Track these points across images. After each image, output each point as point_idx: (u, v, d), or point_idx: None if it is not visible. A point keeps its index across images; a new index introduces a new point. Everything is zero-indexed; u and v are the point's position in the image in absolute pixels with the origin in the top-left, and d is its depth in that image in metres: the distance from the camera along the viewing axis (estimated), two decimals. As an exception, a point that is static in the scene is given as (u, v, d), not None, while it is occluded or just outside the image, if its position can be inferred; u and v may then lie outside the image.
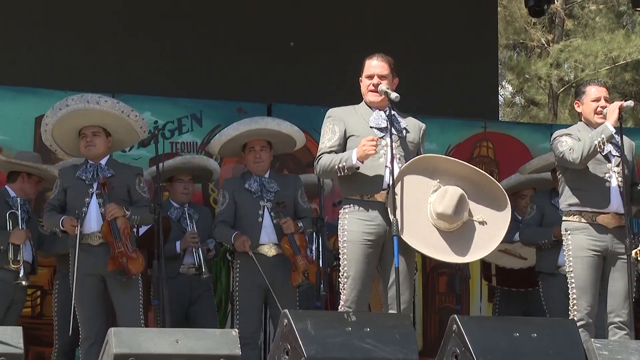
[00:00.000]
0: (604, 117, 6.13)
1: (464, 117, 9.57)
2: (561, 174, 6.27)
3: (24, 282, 7.08)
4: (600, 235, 6.06)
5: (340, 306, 5.67)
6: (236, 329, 5.25)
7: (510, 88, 22.49)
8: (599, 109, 6.17)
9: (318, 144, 5.88)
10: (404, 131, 5.80)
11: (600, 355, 5.20)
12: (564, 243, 6.18)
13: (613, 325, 6.05)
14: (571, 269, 6.09)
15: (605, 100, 6.20)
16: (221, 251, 7.74)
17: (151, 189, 7.25)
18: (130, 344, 4.81)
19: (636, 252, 6.02)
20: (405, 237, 5.55)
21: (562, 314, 6.64)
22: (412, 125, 5.87)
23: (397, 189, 5.59)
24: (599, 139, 5.95)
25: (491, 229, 5.73)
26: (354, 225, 5.66)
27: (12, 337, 4.82)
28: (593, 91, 6.23)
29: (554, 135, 6.27)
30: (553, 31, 20.82)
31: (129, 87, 8.30)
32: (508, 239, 7.85)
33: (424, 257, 5.94)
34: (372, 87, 5.79)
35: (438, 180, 5.70)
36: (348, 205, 5.72)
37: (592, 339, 5.40)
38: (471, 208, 5.70)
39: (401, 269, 5.57)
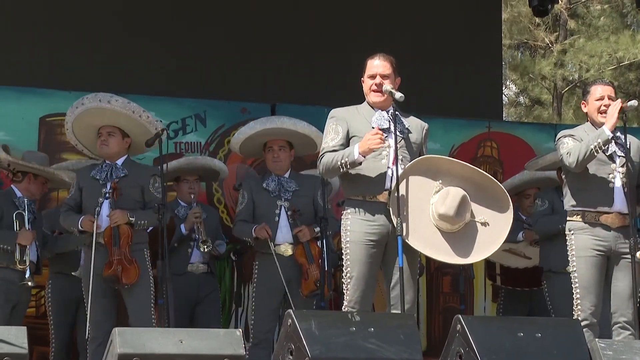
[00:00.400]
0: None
1: (467, 117, 9.56)
2: (564, 174, 6.27)
3: (30, 283, 7.10)
4: (604, 235, 6.06)
5: (344, 306, 5.67)
6: (240, 329, 5.25)
7: (514, 88, 22.47)
8: (603, 107, 6.17)
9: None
10: (407, 131, 5.79)
11: (605, 355, 5.20)
12: (567, 243, 6.17)
13: (617, 325, 6.05)
14: (575, 269, 6.08)
15: (609, 99, 6.18)
16: (225, 251, 7.75)
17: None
18: (134, 344, 4.81)
19: (641, 251, 6.03)
20: (406, 238, 5.54)
21: (567, 313, 6.64)
22: (415, 126, 5.87)
23: (400, 190, 5.58)
24: (595, 144, 5.95)
25: (493, 230, 5.72)
26: (356, 226, 5.66)
27: (16, 337, 4.82)
28: (598, 90, 6.23)
29: (558, 136, 6.27)
30: (557, 30, 20.80)
31: (132, 88, 8.30)
32: (511, 238, 7.86)
33: (429, 258, 5.93)
34: (374, 87, 5.79)
35: (440, 181, 5.69)
36: (351, 206, 5.72)
37: (597, 339, 5.40)
38: (473, 209, 5.70)
39: (404, 269, 5.57)
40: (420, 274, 7.07)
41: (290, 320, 4.94)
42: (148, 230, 6.79)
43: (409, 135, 5.80)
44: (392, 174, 5.64)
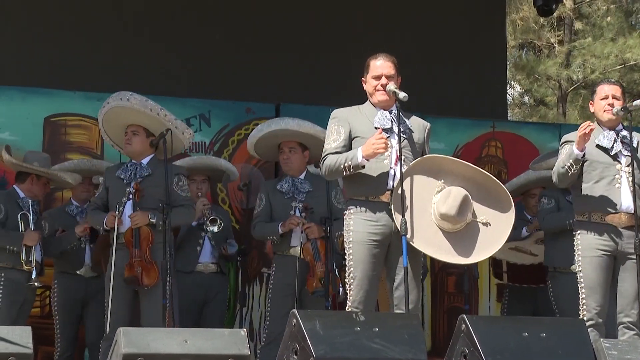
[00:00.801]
0: (613, 114, 6.13)
1: (472, 117, 9.55)
2: None
3: (36, 284, 7.12)
4: (610, 235, 6.05)
5: (347, 307, 5.66)
6: (244, 329, 5.25)
7: (518, 88, 22.45)
8: (607, 106, 6.17)
9: (325, 145, 5.88)
10: (409, 131, 5.79)
11: (610, 355, 5.19)
12: (574, 243, 6.17)
13: (622, 325, 6.05)
14: (580, 269, 6.08)
15: (613, 97, 6.18)
16: (235, 252, 7.76)
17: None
18: (139, 344, 4.81)
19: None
20: (408, 237, 5.54)
21: (572, 313, 6.63)
22: (417, 125, 5.87)
23: (402, 190, 5.58)
24: (568, 164, 6.01)
25: (495, 230, 5.72)
26: (359, 226, 5.66)
27: (21, 337, 4.82)
28: (603, 89, 6.23)
29: (562, 139, 6.28)
30: (562, 30, 20.78)
31: (137, 88, 8.28)
32: (515, 235, 7.87)
33: (433, 258, 5.94)
34: (380, 87, 5.79)
35: (442, 181, 5.69)
36: (353, 206, 5.72)
37: (601, 339, 5.40)
38: (475, 209, 5.70)
39: (408, 269, 5.56)
40: (423, 277, 7.08)
41: (294, 320, 4.94)
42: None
43: (412, 135, 5.80)
44: (395, 174, 5.64)
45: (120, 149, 7.03)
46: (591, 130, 5.94)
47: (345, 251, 5.72)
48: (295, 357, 4.89)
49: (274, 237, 7.10)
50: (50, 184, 7.54)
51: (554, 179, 6.16)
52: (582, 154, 5.99)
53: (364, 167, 5.62)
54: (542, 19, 19.00)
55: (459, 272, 8.44)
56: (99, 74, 9.01)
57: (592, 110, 6.32)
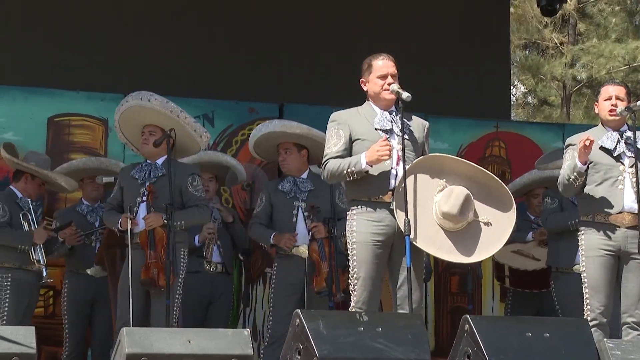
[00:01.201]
0: (617, 115, 6.13)
1: (476, 117, 9.55)
2: None
3: (49, 281, 7.14)
4: (614, 235, 6.05)
5: (351, 307, 5.66)
6: (248, 329, 5.25)
7: (522, 88, 22.44)
8: (611, 107, 6.17)
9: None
10: (409, 131, 5.78)
11: (613, 355, 5.19)
12: (579, 243, 6.16)
13: (626, 326, 6.04)
14: (584, 269, 6.08)
15: (617, 98, 6.18)
16: (233, 251, 7.76)
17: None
18: (143, 344, 4.81)
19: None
20: (410, 236, 5.53)
21: (575, 313, 6.63)
22: (416, 125, 5.86)
23: (403, 190, 5.58)
24: (572, 176, 6.03)
25: (496, 230, 5.71)
26: (362, 227, 5.66)
27: (24, 336, 4.83)
28: (607, 90, 6.23)
29: (566, 142, 6.28)
30: (565, 30, 20.77)
31: (140, 88, 8.28)
32: (520, 238, 7.86)
33: (436, 258, 5.93)
34: (387, 87, 5.78)
35: (444, 180, 5.69)
36: (356, 207, 5.71)
37: (605, 339, 5.39)
38: (476, 208, 5.69)
39: (410, 268, 5.56)
40: (427, 279, 7.08)
41: (298, 320, 4.94)
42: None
43: (412, 134, 5.79)
44: (397, 173, 5.64)
45: (135, 148, 7.00)
46: (591, 142, 5.94)
47: (349, 252, 5.72)
48: (299, 357, 4.89)
49: (264, 245, 7.12)
50: (45, 186, 7.55)
51: (560, 189, 6.19)
52: (584, 166, 6.00)
53: (367, 172, 5.62)
54: (545, 19, 18.99)
55: (463, 272, 8.44)
56: (103, 75, 9.02)
57: (596, 111, 6.33)
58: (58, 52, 9.22)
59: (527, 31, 20.25)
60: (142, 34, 9.53)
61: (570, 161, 6.09)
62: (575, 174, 6.01)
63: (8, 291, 7.08)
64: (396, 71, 5.82)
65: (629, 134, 6.15)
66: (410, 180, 5.60)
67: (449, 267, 8.76)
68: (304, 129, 7.13)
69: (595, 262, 6.03)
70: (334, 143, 5.75)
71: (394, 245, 5.67)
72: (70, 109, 8.36)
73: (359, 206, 5.69)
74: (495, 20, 10.92)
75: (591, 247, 6.06)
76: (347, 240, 5.74)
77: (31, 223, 7.22)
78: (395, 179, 5.65)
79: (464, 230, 5.66)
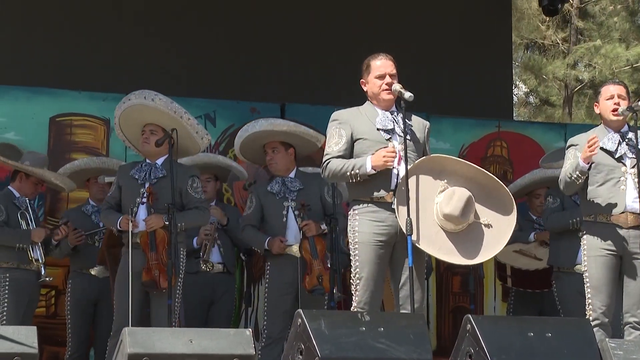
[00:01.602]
0: (619, 115, 6.13)
1: (477, 117, 9.55)
2: None
3: (48, 279, 7.14)
4: (616, 234, 6.04)
5: (352, 307, 5.65)
6: (250, 329, 5.25)
7: (524, 87, 22.43)
8: (614, 106, 6.16)
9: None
10: (411, 131, 5.78)
11: (615, 355, 5.19)
12: (581, 243, 6.16)
13: (628, 325, 6.04)
14: (586, 269, 6.08)
15: (619, 97, 6.18)
16: (235, 251, 7.76)
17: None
18: (144, 344, 4.81)
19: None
20: (413, 238, 5.53)
21: (577, 313, 6.62)
22: (417, 124, 5.86)
23: (405, 190, 5.57)
24: (575, 175, 6.01)
25: (496, 231, 5.71)
26: (364, 227, 5.65)
27: (26, 336, 4.83)
28: (608, 90, 6.22)
29: (567, 143, 6.27)
30: (565, 30, 20.76)
31: (142, 87, 8.30)
32: (522, 238, 7.85)
33: (438, 258, 5.92)
34: (385, 87, 5.78)
35: (445, 181, 5.68)
36: (358, 207, 5.71)
37: (607, 339, 5.39)
38: (477, 210, 5.69)
39: (412, 268, 5.56)
40: (427, 276, 7.06)
41: (300, 320, 4.94)
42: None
43: (413, 134, 5.79)
44: (398, 174, 5.64)
45: (133, 147, 6.98)
46: (596, 144, 5.94)
47: (351, 252, 5.71)
48: (301, 357, 4.89)
49: (258, 250, 7.12)
50: (45, 186, 7.56)
51: (561, 186, 6.18)
52: (587, 166, 5.99)
53: (370, 175, 5.62)
54: (547, 19, 18.99)
55: (465, 272, 8.44)
56: (104, 74, 9.03)
57: (597, 111, 6.32)
58: (59, 52, 9.22)
59: (525, 29, 20.23)
60: (143, 34, 9.53)
61: (572, 160, 6.09)
62: (577, 172, 6.01)
63: (7, 291, 7.08)
64: (395, 71, 5.81)
65: (630, 135, 6.15)
66: (411, 180, 5.60)
67: (451, 267, 8.74)
68: (291, 125, 7.10)
69: (598, 262, 6.03)
70: (335, 142, 5.74)
71: (396, 245, 5.67)
72: (72, 108, 8.37)
73: (361, 206, 5.69)
74: (496, 19, 10.92)
75: (593, 247, 6.05)
76: (349, 240, 5.74)
77: (29, 222, 7.23)
78: (397, 179, 5.64)
79: (464, 231, 5.66)
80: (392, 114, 5.77)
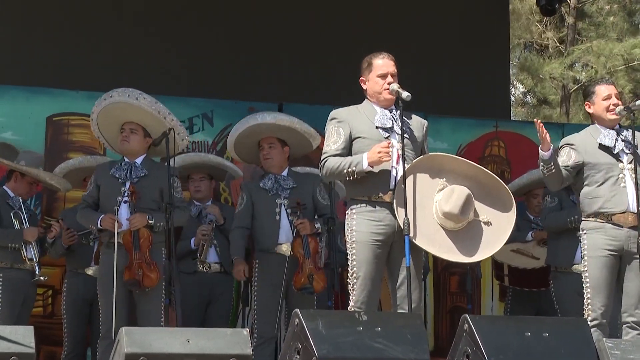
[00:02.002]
0: (616, 114, 6.14)
1: (475, 117, 9.55)
2: (573, 181, 6.26)
3: (42, 278, 7.13)
4: (617, 234, 6.04)
5: (350, 307, 5.65)
6: (247, 329, 5.25)
7: (521, 87, 22.45)
8: (612, 106, 6.17)
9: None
10: (409, 130, 5.78)
11: (613, 354, 5.19)
12: (580, 243, 6.16)
13: (626, 325, 6.04)
14: (586, 269, 6.07)
15: (616, 97, 6.20)
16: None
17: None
18: (142, 344, 4.81)
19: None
20: (411, 236, 5.53)
21: (574, 313, 6.62)
22: (415, 123, 5.87)
23: (404, 189, 5.57)
24: (540, 166, 6.05)
25: (496, 229, 5.71)
26: (362, 226, 5.65)
27: (23, 336, 4.82)
28: (603, 90, 6.23)
29: (561, 142, 6.28)
30: (562, 29, 20.78)
31: (140, 87, 8.27)
32: (520, 237, 7.86)
33: (435, 257, 5.93)
34: (387, 87, 5.77)
35: (444, 179, 5.68)
36: (356, 206, 5.70)
37: (604, 339, 5.39)
38: (476, 208, 5.69)
39: (410, 268, 5.56)
40: (424, 276, 7.07)
41: (297, 320, 4.93)
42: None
43: (412, 133, 5.79)
44: (397, 172, 5.63)
45: (108, 144, 6.92)
46: (542, 126, 5.94)
47: (348, 251, 5.71)
48: (298, 356, 4.89)
49: (233, 257, 7.11)
50: (41, 186, 7.55)
51: (545, 183, 6.21)
52: (547, 154, 5.99)
53: (367, 173, 5.62)
54: (544, 18, 19.00)
55: (462, 272, 8.44)
56: (102, 74, 9.01)
57: (590, 111, 6.31)
58: (58, 51, 9.22)
59: (520, 29, 20.24)
60: (142, 34, 9.53)
61: (564, 158, 6.10)
62: (541, 163, 6.02)
63: (0, 290, 7.08)
64: (396, 70, 5.82)
65: (625, 132, 6.16)
66: (410, 179, 5.60)
67: (448, 266, 8.76)
68: (294, 122, 7.07)
69: (598, 262, 6.03)
70: (333, 141, 5.74)
71: (394, 245, 5.66)
72: (69, 108, 8.36)
73: (359, 205, 5.69)
74: (494, 20, 10.92)
75: (594, 247, 6.05)
76: (346, 240, 5.73)
77: (23, 222, 7.22)
78: (396, 178, 5.64)
79: (464, 229, 5.66)
80: (390, 112, 5.77)
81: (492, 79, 10.65)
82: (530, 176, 8.19)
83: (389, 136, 5.69)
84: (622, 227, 6.04)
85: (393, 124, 5.73)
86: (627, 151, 6.11)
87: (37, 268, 7.12)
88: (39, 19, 9.30)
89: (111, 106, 6.66)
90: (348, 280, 5.69)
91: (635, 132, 6.17)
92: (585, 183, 6.13)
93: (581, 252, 6.15)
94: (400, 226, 5.55)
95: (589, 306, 6.02)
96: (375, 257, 5.63)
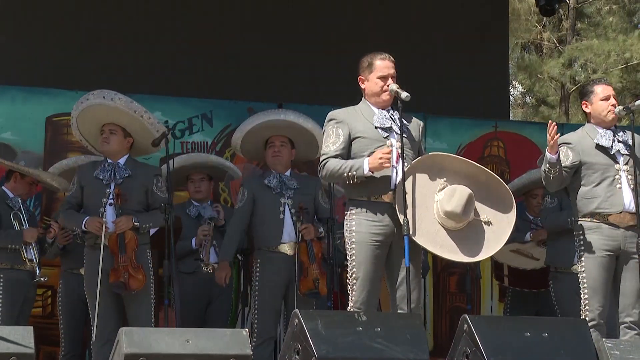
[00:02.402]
0: (615, 115, 6.14)
1: (474, 117, 9.55)
2: (570, 182, 6.26)
3: (42, 279, 7.12)
4: (613, 234, 6.05)
5: (349, 307, 5.65)
6: (246, 329, 5.25)
7: (520, 88, 22.46)
8: (611, 107, 6.17)
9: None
10: (407, 130, 5.78)
11: (612, 355, 5.19)
12: (576, 243, 6.16)
13: (624, 325, 6.04)
14: (583, 269, 6.07)
15: (614, 97, 6.21)
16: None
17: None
18: (141, 344, 4.81)
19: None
20: (412, 235, 5.53)
21: (574, 313, 6.62)
22: (413, 123, 5.87)
23: (405, 187, 5.57)
24: (545, 168, 6.04)
25: (496, 229, 5.71)
26: (361, 227, 5.64)
27: (23, 336, 4.82)
28: (601, 90, 6.23)
29: (559, 141, 6.27)
30: (562, 29, 20.79)
31: (139, 87, 8.32)
32: (519, 238, 7.85)
33: (435, 257, 5.93)
34: (387, 88, 5.77)
35: (445, 179, 5.68)
36: (355, 207, 5.69)
37: (604, 339, 5.39)
38: (476, 207, 5.69)
39: (409, 268, 5.56)
40: (424, 274, 7.06)
41: (296, 320, 4.93)
42: (152, 232, 6.77)
43: (410, 133, 5.79)
44: (397, 172, 5.63)
45: (91, 146, 6.90)
46: (555, 129, 5.94)
47: (347, 252, 5.70)
48: (297, 357, 4.89)
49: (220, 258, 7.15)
50: (41, 186, 7.55)
51: (544, 184, 6.20)
52: (555, 157, 5.99)
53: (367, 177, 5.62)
54: (542, 18, 19.01)
55: (461, 272, 8.44)
56: (101, 74, 9.01)
57: (587, 110, 6.30)
58: (57, 52, 9.22)
59: (519, 29, 20.26)
60: (140, 34, 9.52)
61: (561, 157, 6.10)
62: (547, 165, 6.01)
63: (1, 291, 7.07)
64: (395, 72, 5.82)
65: (621, 133, 6.16)
66: (410, 179, 5.60)
67: (448, 267, 8.76)
68: (317, 128, 7.02)
69: (596, 262, 6.03)
70: (332, 142, 5.73)
71: (393, 245, 5.66)
72: (68, 108, 8.27)
73: (358, 206, 5.68)
74: (494, 20, 10.93)
75: (591, 247, 6.05)
76: (346, 240, 5.72)
77: (22, 222, 7.22)
78: (395, 178, 5.64)
79: (464, 229, 5.66)
80: (388, 112, 5.77)
81: (492, 79, 10.66)
82: (529, 176, 8.19)
83: (388, 136, 5.69)
84: (618, 227, 6.05)
85: (392, 124, 5.72)
86: (623, 152, 6.12)
87: (37, 269, 7.12)
88: (38, 19, 9.30)
89: (88, 109, 6.66)
90: (347, 280, 5.69)
91: (635, 133, 6.18)
92: (582, 183, 6.13)
93: (577, 253, 6.15)
94: (399, 226, 5.55)
95: (587, 307, 6.02)
96: (375, 258, 5.63)
